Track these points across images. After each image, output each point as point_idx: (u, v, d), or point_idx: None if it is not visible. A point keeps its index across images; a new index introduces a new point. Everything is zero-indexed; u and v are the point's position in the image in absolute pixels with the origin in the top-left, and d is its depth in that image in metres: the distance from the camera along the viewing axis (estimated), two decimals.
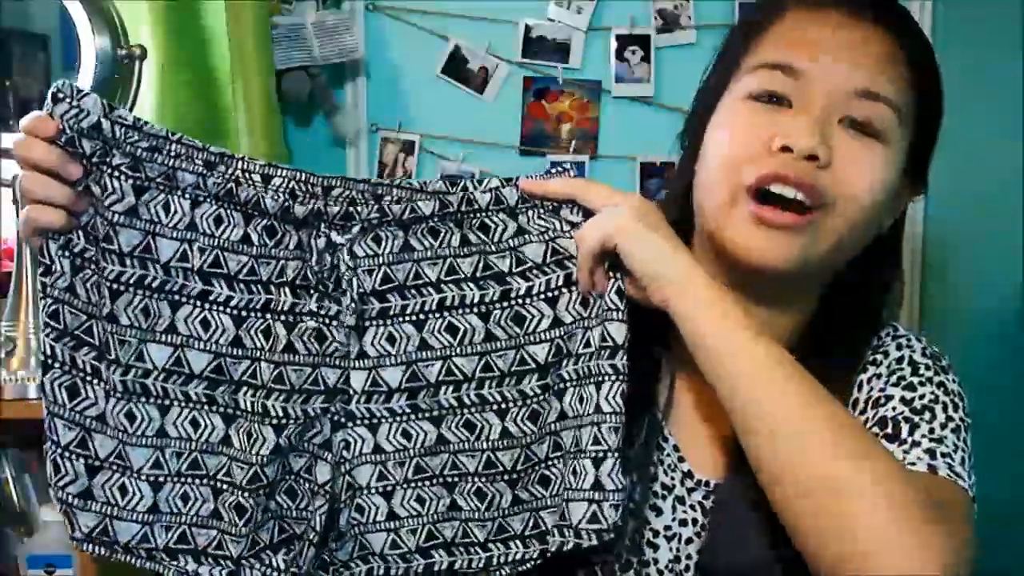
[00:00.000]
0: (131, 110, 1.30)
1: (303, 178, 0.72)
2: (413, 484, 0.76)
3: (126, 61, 1.37)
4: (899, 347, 0.82)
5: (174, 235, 0.71)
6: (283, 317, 0.74)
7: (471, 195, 0.74)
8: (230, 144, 1.57)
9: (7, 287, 1.21)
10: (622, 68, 1.82)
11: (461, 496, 0.77)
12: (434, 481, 0.77)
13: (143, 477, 0.73)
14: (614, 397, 0.73)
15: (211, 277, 0.72)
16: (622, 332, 0.73)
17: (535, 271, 0.75)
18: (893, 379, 0.79)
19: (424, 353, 0.76)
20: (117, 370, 0.71)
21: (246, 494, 0.73)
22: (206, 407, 0.73)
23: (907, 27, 0.78)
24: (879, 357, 0.81)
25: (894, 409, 0.76)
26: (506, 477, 0.76)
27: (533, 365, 0.75)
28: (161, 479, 0.73)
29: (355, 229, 0.73)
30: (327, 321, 0.74)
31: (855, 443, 0.65)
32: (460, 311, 0.75)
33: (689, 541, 0.80)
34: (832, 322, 0.82)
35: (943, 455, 0.73)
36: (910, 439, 0.74)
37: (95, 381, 0.72)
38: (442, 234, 0.75)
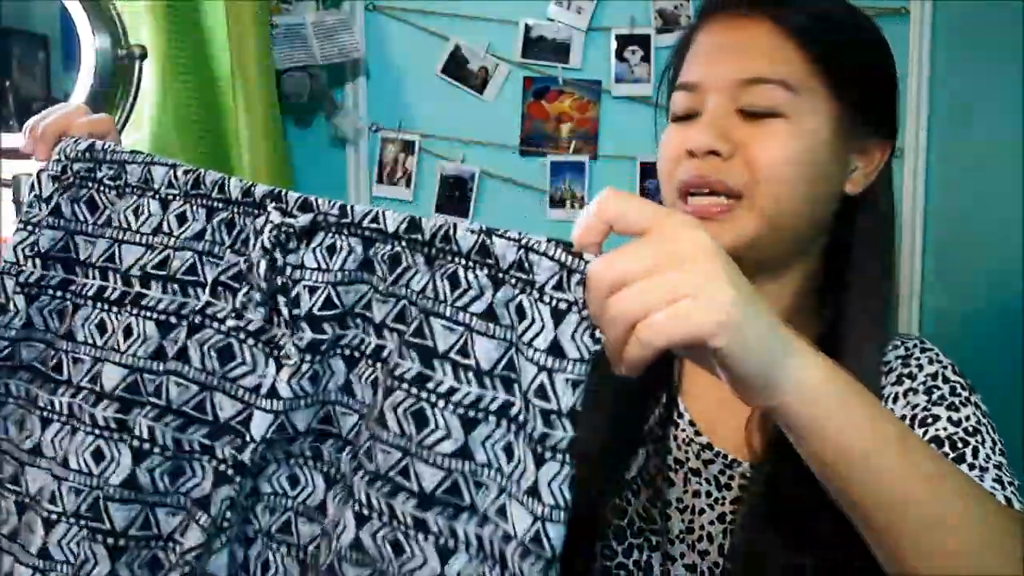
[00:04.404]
0: (131, 110, 1.31)
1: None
2: (277, 543, 0.60)
3: (126, 61, 1.36)
4: (931, 362, 0.83)
5: (138, 239, 0.65)
6: (191, 318, 0.61)
7: (449, 230, 0.53)
8: (230, 144, 1.57)
9: None
10: (622, 68, 1.82)
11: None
12: (298, 551, 0.60)
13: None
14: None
15: (151, 279, 0.63)
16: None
17: (471, 376, 0.52)
18: (934, 397, 0.80)
19: (347, 398, 0.59)
20: (68, 391, 0.64)
21: (84, 532, 0.59)
22: (114, 434, 0.62)
23: (792, 9, 0.81)
24: (914, 371, 0.82)
25: (944, 429, 0.77)
26: None
27: (415, 488, 0.53)
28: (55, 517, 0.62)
29: (304, 219, 0.57)
30: (241, 336, 0.58)
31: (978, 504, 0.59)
32: (384, 367, 0.57)
33: (702, 512, 0.82)
34: (833, 284, 0.84)
35: (1009, 483, 0.74)
36: (977, 463, 0.75)
37: (31, 408, 0.66)
38: (403, 266, 0.56)
